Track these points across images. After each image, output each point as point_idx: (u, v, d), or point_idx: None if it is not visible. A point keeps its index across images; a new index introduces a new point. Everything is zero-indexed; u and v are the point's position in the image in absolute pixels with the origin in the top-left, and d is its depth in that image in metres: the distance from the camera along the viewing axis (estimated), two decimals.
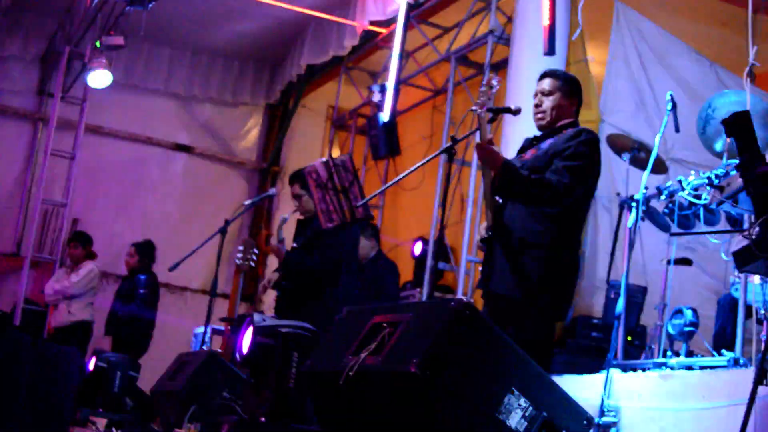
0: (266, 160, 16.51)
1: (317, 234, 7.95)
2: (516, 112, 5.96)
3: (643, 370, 7.65)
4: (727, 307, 8.12)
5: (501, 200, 5.91)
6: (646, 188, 8.32)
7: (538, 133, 6.12)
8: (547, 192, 5.54)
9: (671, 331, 8.13)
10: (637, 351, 8.72)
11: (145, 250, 12.00)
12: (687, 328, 8.06)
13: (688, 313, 8.10)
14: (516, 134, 7.02)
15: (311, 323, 6.46)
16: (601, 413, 7.20)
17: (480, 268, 5.96)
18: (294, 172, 8.44)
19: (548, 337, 5.71)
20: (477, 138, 5.75)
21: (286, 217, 8.25)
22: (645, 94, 10.51)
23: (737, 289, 7.54)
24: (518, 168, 5.63)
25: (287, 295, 8.22)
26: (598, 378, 7.54)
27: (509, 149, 8.38)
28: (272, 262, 15.43)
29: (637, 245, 8.64)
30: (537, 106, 5.97)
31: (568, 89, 5.98)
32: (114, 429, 8.17)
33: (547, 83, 5.99)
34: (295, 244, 8.29)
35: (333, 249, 7.96)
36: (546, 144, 5.85)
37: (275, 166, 16.44)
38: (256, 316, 6.43)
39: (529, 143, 6.05)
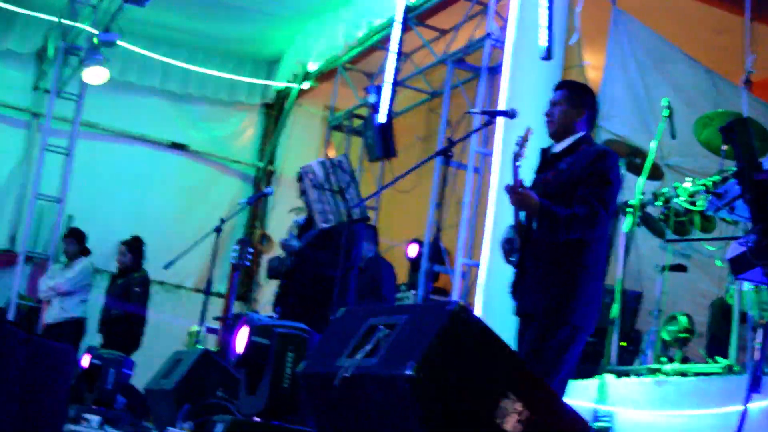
0: (262, 160, 16.50)
1: (323, 232, 7.95)
2: (512, 115, 6.05)
3: (638, 375, 7.67)
4: (720, 312, 8.14)
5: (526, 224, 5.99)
6: (642, 194, 8.34)
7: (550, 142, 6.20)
8: (582, 224, 5.67)
9: (666, 337, 8.15)
10: (631, 356, 8.72)
11: (136, 248, 12.00)
12: (681, 335, 8.08)
13: (683, 320, 8.12)
14: (512, 137, 7.02)
15: (317, 319, 6.48)
16: (596, 418, 7.22)
17: (510, 288, 6.04)
18: (302, 167, 8.42)
19: (569, 348, 5.78)
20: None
21: (299, 221, 8.25)
22: (641, 100, 10.52)
23: (732, 296, 7.55)
24: (553, 208, 5.72)
25: (294, 286, 8.18)
26: (592, 383, 7.56)
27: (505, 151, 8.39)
28: (266, 261, 15.44)
29: (633, 251, 8.66)
30: (547, 115, 6.10)
31: (575, 98, 6.10)
32: (107, 426, 8.16)
33: (556, 94, 6.16)
34: (300, 242, 8.27)
35: (342, 248, 7.97)
36: (564, 164, 5.94)
37: (270, 166, 16.44)
38: (251, 315, 6.44)
39: (545, 160, 6.12)
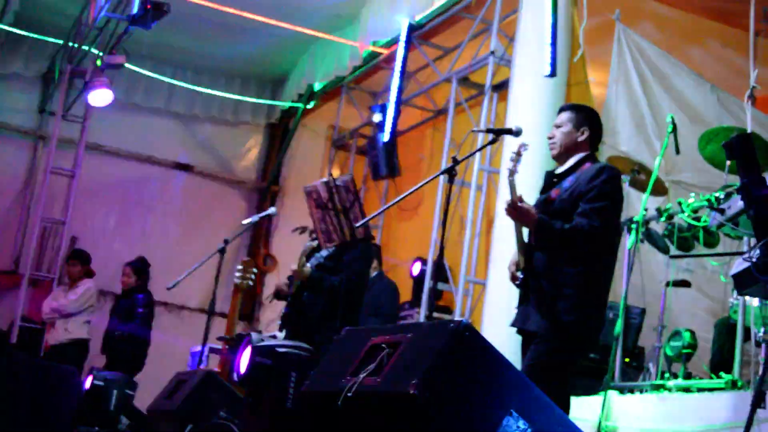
0: (266, 180, 16.50)
1: (333, 254, 7.93)
2: (517, 133, 6.05)
3: (641, 391, 7.65)
4: (725, 329, 8.11)
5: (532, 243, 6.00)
6: (645, 210, 8.32)
7: (555, 164, 6.21)
8: (580, 239, 5.67)
9: (669, 353, 8.13)
10: (634, 373, 8.70)
11: (141, 269, 11.99)
12: (685, 350, 8.05)
13: (686, 335, 8.10)
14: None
15: (324, 341, 6.46)
16: None
17: (515, 308, 6.03)
18: (306, 187, 8.40)
19: (572, 365, 5.80)
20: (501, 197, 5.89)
21: (314, 245, 8.22)
22: (645, 116, 10.53)
23: (736, 312, 7.53)
24: (551, 222, 5.72)
25: (301, 307, 8.13)
26: (596, 400, 7.53)
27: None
28: (270, 281, 15.43)
29: (636, 267, 8.63)
30: (550, 138, 6.11)
31: (578, 119, 6.11)
32: None
33: (559, 117, 6.16)
34: (310, 264, 8.23)
35: (358, 270, 7.96)
36: (567, 182, 5.94)
37: (275, 186, 16.43)
38: (254, 336, 6.43)
39: (550, 180, 6.13)
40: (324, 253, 8.10)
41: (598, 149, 6.36)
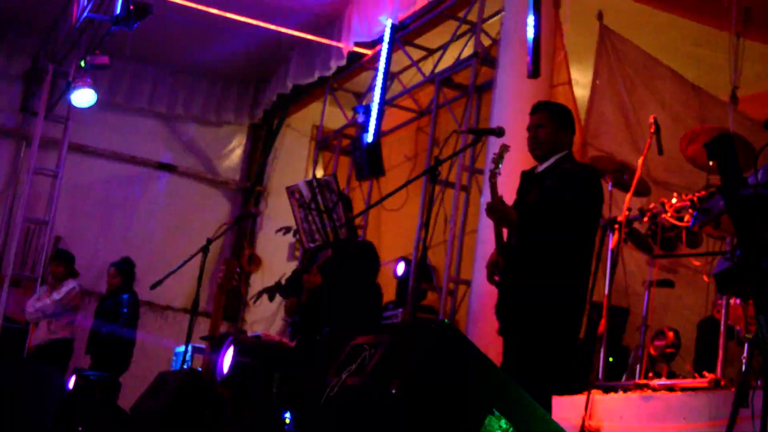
0: (250, 180, 16.47)
1: (335, 261, 7.92)
2: (499, 133, 6.05)
3: (625, 391, 7.65)
4: (708, 329, 8.13)
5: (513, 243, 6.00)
6: (629, 210, 8.34)
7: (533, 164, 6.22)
8: (561, 239, 5.67)
9: (653, 352, 8.14)
10: (618, 372, 8.71)
11: (126, 270, 11.98)
12: (668, 350, 8.07)
13: (670, 335, 8.12)
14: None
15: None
16: None
17: (496, 308, 6.05)
18: (288, 187, 8.39)
19: (553, 364, 5.81)
20: (484, 198, 5.92)
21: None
22: (628, 117, 10.53)
23: (719, 311, 7.55)
24: (531, 225, 5.73)
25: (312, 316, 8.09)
26: (579, 399, 7.54)
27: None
28: (254, 281, 15.40)
29: (620, 267, 8.64)
30: (533, 138, 6.10)
31: (562, 120, 6.12)
32: None
33: (538, 116, 6.13)
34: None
35: (364, 278, 7.96)
36: (547, 182, 5.94)
37: (259, 186, 16.41)
38: (238, 335, 6.43)
39: (528, 181, 6.14)
40: (330, 261, 8.11)
41: (584, 148, 6.38)
